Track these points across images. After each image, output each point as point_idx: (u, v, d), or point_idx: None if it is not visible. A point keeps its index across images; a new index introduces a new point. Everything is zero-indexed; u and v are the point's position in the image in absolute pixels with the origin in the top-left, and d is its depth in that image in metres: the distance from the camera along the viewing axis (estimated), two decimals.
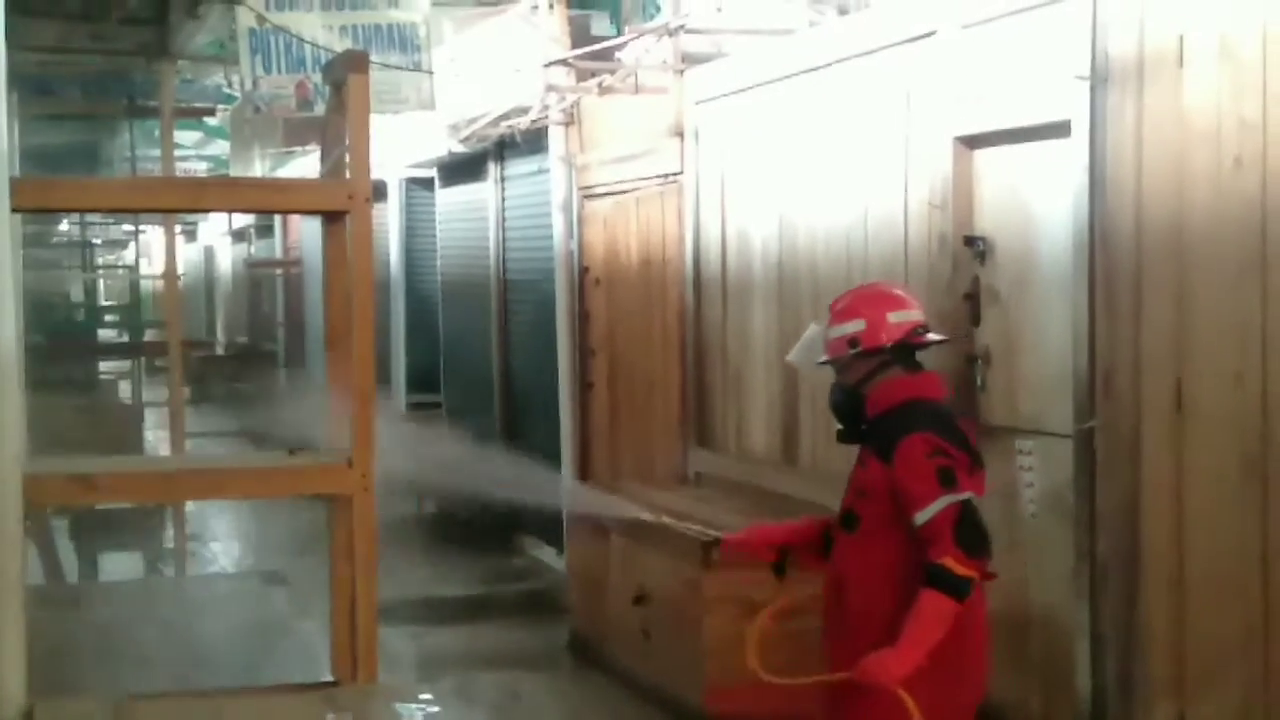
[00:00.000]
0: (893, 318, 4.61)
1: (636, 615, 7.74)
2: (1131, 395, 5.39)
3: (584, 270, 10.51)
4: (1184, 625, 5.20)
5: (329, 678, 4.24)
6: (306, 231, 18.92)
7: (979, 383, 6.38)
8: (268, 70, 8.29)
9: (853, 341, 4.60)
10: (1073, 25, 5.58)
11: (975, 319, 6.39)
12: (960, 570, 4.22)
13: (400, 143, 13.39)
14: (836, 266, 7.40)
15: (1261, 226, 4.80)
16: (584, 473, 10.56)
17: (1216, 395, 5.03)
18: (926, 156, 6.59)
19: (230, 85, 11.08)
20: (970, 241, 6.37)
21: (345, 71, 4.02)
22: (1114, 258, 5.44)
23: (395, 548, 11.87)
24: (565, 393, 10.74)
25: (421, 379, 15.02)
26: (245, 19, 8.22)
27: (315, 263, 19.00)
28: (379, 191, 15.38)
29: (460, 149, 12.15)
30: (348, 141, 4.00)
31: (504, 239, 12.17)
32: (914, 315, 4.66)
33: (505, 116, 10.46)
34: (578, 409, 10.66)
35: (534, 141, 10.96)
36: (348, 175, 4.02)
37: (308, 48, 8.20)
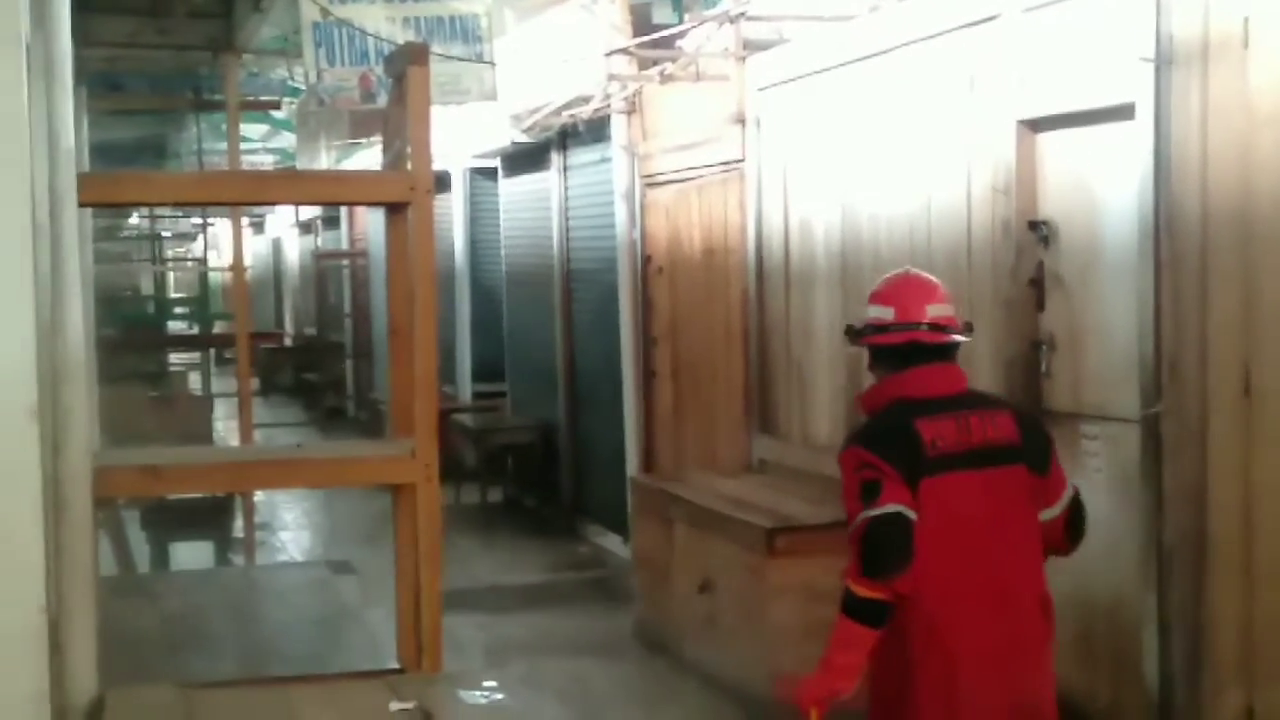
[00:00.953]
0: (867, 312, 4.49)
1: (702, 603, 7.76)
2: (1198, 380, 5.34)
3: (647, 259, 10.53)
4: (1253, 612, 5.15)
5: (395, 665, 4.27)
6: (372, 223, 19.04)
7: (1044, 368, 6.35)
8: (331, 63, 8.34)
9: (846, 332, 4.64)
10: (1136, 7, 5.53)
11: (1040, 305, 6.35)
12: (860, 592, 4.06)
13: (464, 133, 13.45)
14: (899, 253, 7.36)
15: None
16: (648, 461, 10.59)
17: None
18: (990, 141, 6.55)
19: (294, 78, 11.16)
20: (1034, 226, 6.33)
21: (405, 64, 4.05)
22: (1179, 242, 5.39)
23: (462, 535, 11.97)
24: (629, 381, 10.78)
25: (486, 369, 15.11)
26: (309, 12, 8.27)
27: (381, 254, 19.08)
28: (443, 182, 15.48)
29: (523, 139, 12.20)
30: (408, 133, 4.02)
31: (567, 228, 12.21)
32: (877, 311, 4.43)
33: (567, 106, 10.49)
34: (641, 398, 10.69)
35: (596, 130, 11.00)
36: (409, 167, 4.05)
37: (371, 40, 8.24)
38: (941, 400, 4.28)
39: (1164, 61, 5.42)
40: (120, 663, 4.18)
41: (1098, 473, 6.03)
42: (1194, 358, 5.36)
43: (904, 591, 4.03)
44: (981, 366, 6.68)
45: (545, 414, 12.93)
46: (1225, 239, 5.20)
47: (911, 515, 4.06)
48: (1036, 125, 6.32)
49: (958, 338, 4.42)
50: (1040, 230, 6.31)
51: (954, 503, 4.15)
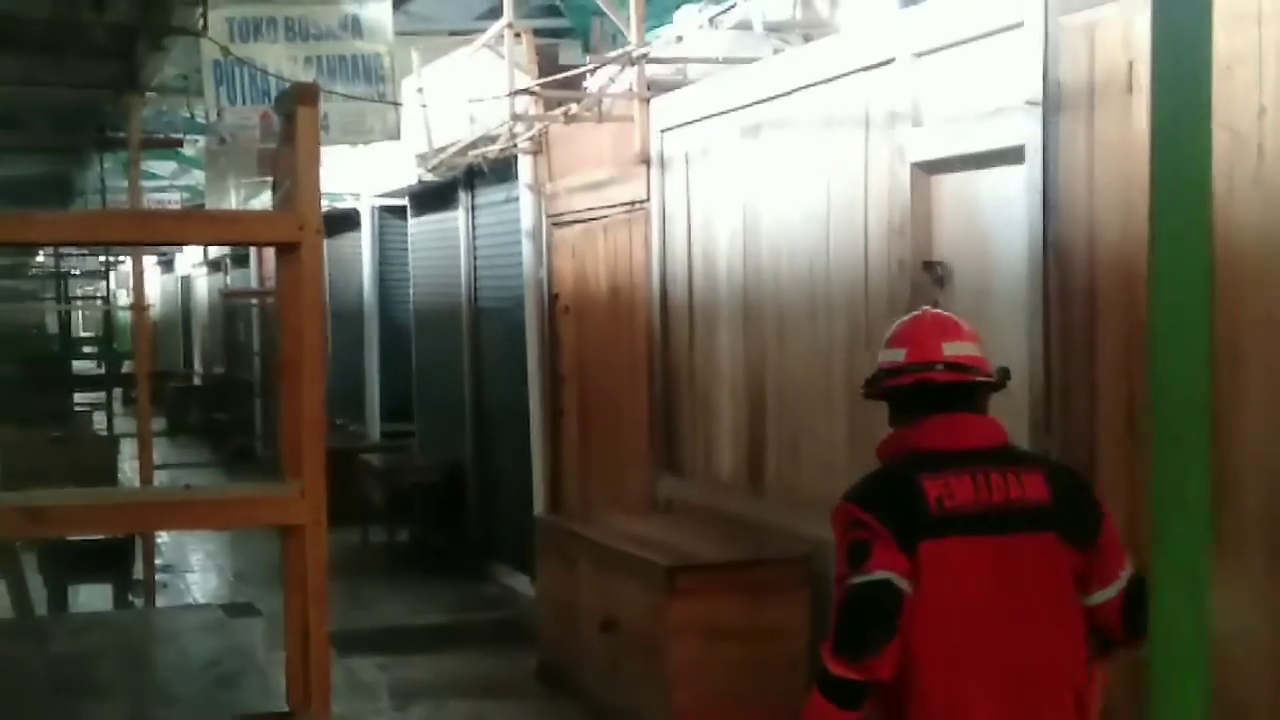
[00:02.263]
0: (880, 357, 4.01)
1: (604, 642, 7.76)
2: (1087, 415, 5.43)
3: (554, 297, 10.55)
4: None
5: (283, 709, 4.23)
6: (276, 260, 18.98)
7: None
8: (232, 101, 8.32)
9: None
10: (1024, 52, 5.64)
11: None
12: (833, 670, 3.58)
13: (373, 172, 13.43)
14: (799, 293, 7.44)
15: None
16: (555, 501, 10.58)
17: None
18: (886, 182, 6.64)
19: (197, 116, 11.12)
20: (929, 266, 6.41)
21: (294, 103, 4.03)
22: (1068, 281, 5.49)
23: (369, 576, 11.89)
24: (536, 420, 10.78)
25: (395, 408, 15.05)
26: (209, 51, 8.25)
27: None
28: (352, 220, 15.44)
29: (430, 178, 12.20)
30: (297, 173, 4.01)
31: (475, 267, 12.22)
32: (888, 355, 3.96)
33: (474, 145, 10.50)
34: (549, 436, 10.68)
35: (503, 170, 11.02)
36: (298, 207, 4.03)
37: (272, 79, 8.23)
38: (960, 454, 3.74)
39: (1052, 105, 5.53)
40: (4, 709, 4.12)
41: None
42: (1083, 392, 5.45)
43: (883, 677, 3.58)
44: (881, 405, 6.76)
45: (453, 453, 12.89)
46: (1111, 277, 5.30)
47: (902, 586, 3.57)
48: (931, 167, 6.41)
49: (980, 379, 3.90)
50: (935, 270, 6.39)
51: (960, 572, 3.63)
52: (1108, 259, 5.32)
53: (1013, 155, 5.78)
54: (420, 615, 10.70)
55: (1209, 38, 1.30)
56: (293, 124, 4.08)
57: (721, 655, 7.18)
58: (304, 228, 3.97)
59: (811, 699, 3.63)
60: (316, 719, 3.93)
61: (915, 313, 4.19)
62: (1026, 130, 5.65)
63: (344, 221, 15.95)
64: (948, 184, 6.36)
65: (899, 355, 3.91)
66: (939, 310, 4.28)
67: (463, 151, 10.64)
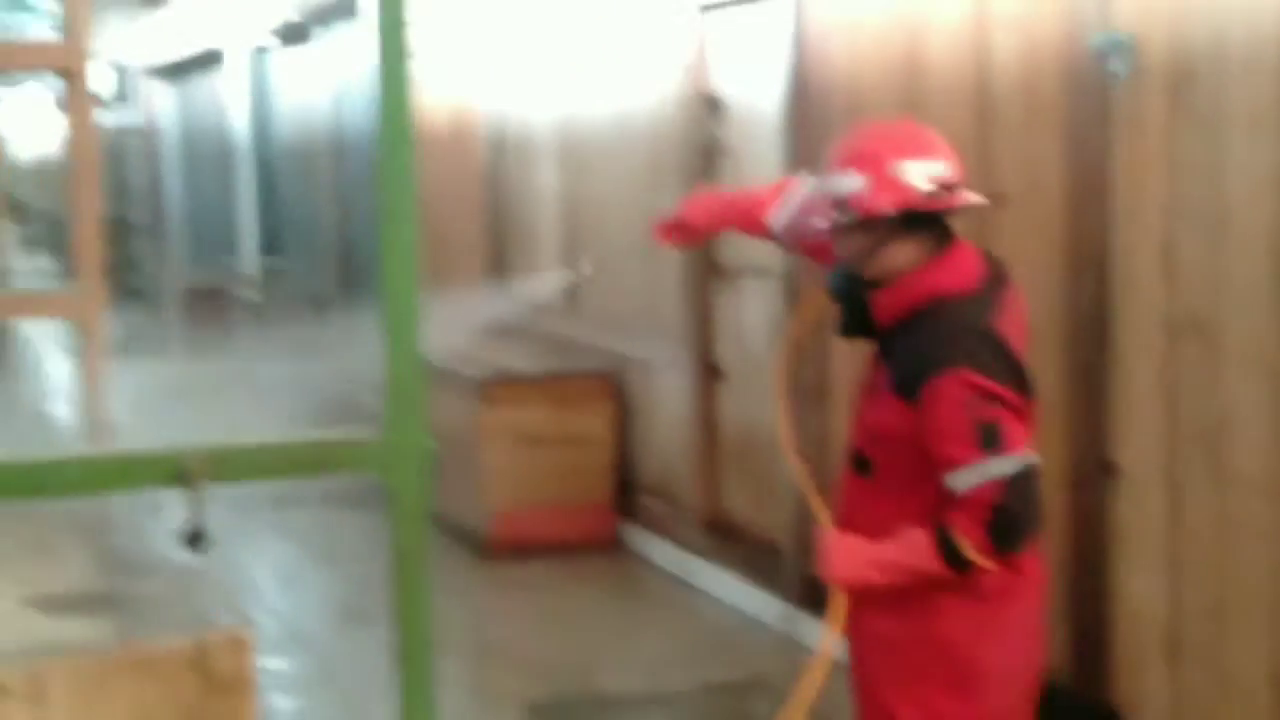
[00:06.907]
0: (903, 171, 3.17)
1: None
2: None
3: None
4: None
5: None
6: (160, 97, 19.26)
7: None
8: None
9: (840, 205, 3.23)
10: None
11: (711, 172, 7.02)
12: (972, 555, 3.11)
13: (243, 10, 13.72)
14: (607, 131, 7.99)
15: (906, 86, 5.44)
16: None
17: None
18: (675, 23, 7.16)
19: None
20: (708, 100, 6.97)
21: None
22: (812, 112, 6.06)
23: None
24: None
25: (271, 244, 15.53)
26: None
27: (174, 129, 19.27)
28: (217, 59, 15.71)
29: (295, 18, 12.53)
30: (70, 3, 4.49)
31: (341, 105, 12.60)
32: (935, 167, 3.20)
33: None
34: None
35: (351, 7, 11.38)
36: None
37: None
38: (981, 292, 3.26)
39: None
40: None
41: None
42: None
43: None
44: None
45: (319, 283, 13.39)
46: (842, 107, 5.87)
47: (1038, 461, 3.16)
48: (709, 9, 6.94)
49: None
50: (714, 103, 6.95)
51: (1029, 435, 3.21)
52: (841, 95, 5.89)
53: None
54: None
55: None
56: None
57: (534, 461, 7.83)
58: (73, 54, 4.48)
59: (918, 559, 3.14)
60: None
61: (900, 123, 3.66)
62: None
63: (212, 59, 16.20)
64: (724, 22, 6.89)
65: (942, 166, 3.23)
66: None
67: None
